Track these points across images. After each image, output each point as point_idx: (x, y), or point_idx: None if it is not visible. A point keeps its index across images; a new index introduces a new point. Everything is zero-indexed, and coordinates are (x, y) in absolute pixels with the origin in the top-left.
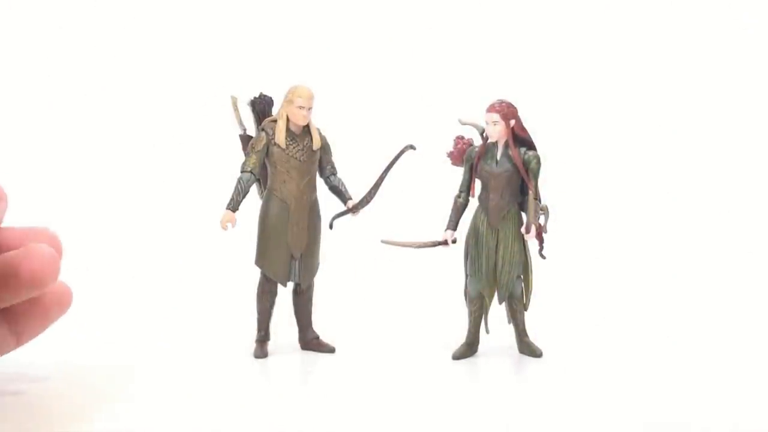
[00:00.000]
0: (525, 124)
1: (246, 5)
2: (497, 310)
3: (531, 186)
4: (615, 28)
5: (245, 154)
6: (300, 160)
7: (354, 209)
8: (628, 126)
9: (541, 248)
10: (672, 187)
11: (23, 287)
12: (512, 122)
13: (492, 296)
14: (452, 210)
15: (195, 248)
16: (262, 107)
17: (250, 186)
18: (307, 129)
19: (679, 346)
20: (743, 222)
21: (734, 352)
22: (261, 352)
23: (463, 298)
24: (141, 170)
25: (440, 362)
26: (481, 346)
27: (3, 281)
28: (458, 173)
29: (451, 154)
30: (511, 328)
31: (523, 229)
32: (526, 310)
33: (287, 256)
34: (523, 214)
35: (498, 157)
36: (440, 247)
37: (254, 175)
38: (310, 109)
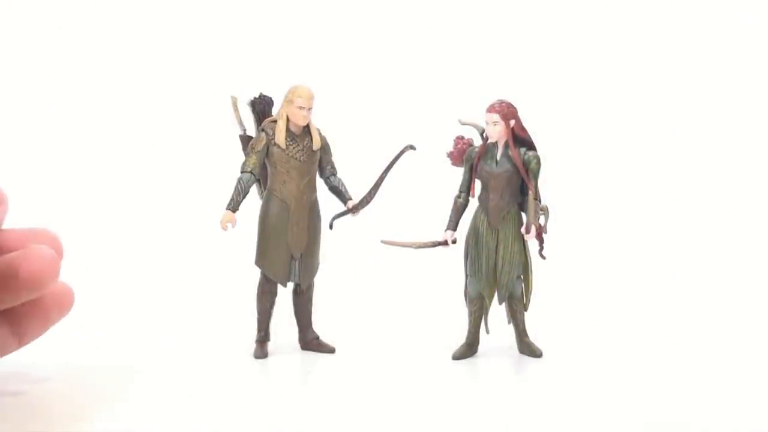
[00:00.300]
0: (525, 125)
1: (246, 5)
2: (497, 311)
3: (531, 186)
4: (615, 28)
5: (245, 155)
6: (300, 161)
7: (354, 209)
8: (628, 126)
9: (541, 248)
10: (672, 187)
11: (23, 289)
12: (512, 122)
13: (492, 296)
14: (452, 210)
15: (195, 248)
16: (262, 107)
17: (250, 186)
18: (307, 129)
19: (679, 346)
20: (743, 222)
21: (734, 352)
22: (261, 352)
23: (463, 298)
24: (141, 170)
25: (440, 362)
26: (481, 347)
27: (3, 283)
28: (458, 173)
29: (451, 155)
30: (511, 328)
31: (523, 230)
32: (526, 310)
33: (287, 256)
34: (523, 215)
35: (498, 158)
36: (440, 247)
37: (254, 175)
38: (310, 109)
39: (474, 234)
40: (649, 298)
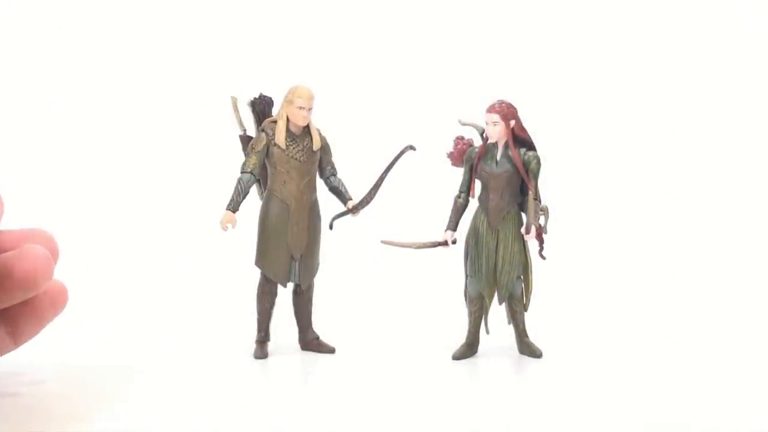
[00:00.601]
0: (525, 125)
1: (246, 5)
2: (497, 311)
3: (531, 186)
4: (615, 28)
5: (245, 155)
6: (300, 161)
7: (354, 210)
8: (627, 126)
9: (541, 249)
10: (672, 187)
11: (17, 288)
12: (512, 123)
13: (492, 297)
14: (452, 210)
15: (195, 249)
16: (262, 108)
17: (250, 186)
18: (307, 129)
19: (679, 346)
20: (743, 222)
21: (734, 352)
22: (261, 352)
23: (463, 298)
24: (141, 171)
25: (440, 362)
26: (481, 347)
27: None
28: (458, 174)
29: (451, 155)
30: (511, 328)
31: (523, 230)
32: (526, 310)
33: (287, 256)
34: (523, 215)
35: (498, 158)
36: (440, 247)
37: (254, 175)
38: (310, 109)
39: (474, 234)
40: (649, 298)
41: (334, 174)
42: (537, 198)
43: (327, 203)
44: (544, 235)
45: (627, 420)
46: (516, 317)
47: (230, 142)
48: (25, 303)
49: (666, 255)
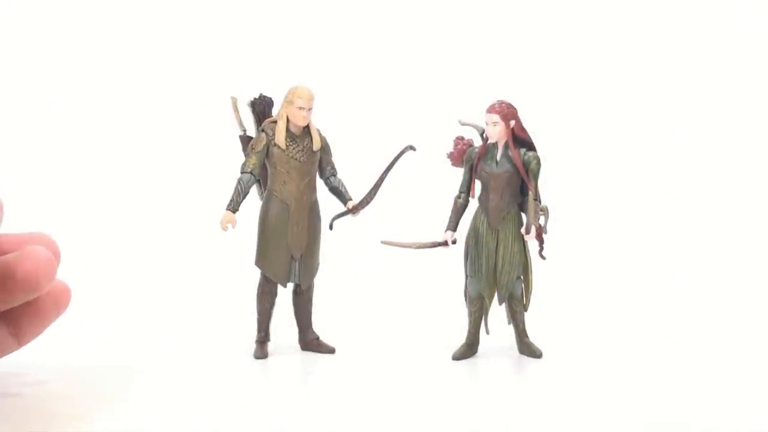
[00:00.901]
0: (525, 125)
1: (246, 5)
2: (497, 311)
3: (531, 187)
4: (614, 28)
5: (245, 155)
6: (300, 161)
7: (354, 210)
8: (627, 126)
9: (541, 249)
10: (672, 187)
11: (19, 290)
12: (512, 123)
13: (492, 297)
14: (452, 211)
15: (195, 249)
16: (262, 108)
17: (250, 187)
18: (307, 130)
19: (679, 346)
20: (743, 222)
21: (734, 352)
22: (261, 352)
23: (463, 298)
24: (141, 171)
25: (440, 362)
26: (481, 347)
27: (0, 284)
28: (458, 174)
29: (451, 155)
30: (511, 328)
31: (523, 230)
32: (526, 310)
33: (287, 256)
34: (523, 215)
35: (498, 158)
36: (440, 247)
37: (254, 175)
38: (310, 109)
39: (474, 234)
40: (649, 298)
41: (334, 174)
42: (537, 198)
43: (327, 203)
44: (544, 236)
45: (627, 420)
46: (516, 317)
47: (230, 142)
48: (28, 304)
49: (666, 255)
